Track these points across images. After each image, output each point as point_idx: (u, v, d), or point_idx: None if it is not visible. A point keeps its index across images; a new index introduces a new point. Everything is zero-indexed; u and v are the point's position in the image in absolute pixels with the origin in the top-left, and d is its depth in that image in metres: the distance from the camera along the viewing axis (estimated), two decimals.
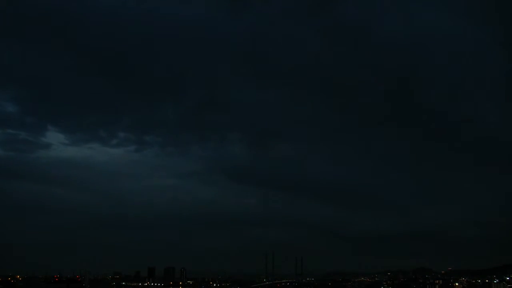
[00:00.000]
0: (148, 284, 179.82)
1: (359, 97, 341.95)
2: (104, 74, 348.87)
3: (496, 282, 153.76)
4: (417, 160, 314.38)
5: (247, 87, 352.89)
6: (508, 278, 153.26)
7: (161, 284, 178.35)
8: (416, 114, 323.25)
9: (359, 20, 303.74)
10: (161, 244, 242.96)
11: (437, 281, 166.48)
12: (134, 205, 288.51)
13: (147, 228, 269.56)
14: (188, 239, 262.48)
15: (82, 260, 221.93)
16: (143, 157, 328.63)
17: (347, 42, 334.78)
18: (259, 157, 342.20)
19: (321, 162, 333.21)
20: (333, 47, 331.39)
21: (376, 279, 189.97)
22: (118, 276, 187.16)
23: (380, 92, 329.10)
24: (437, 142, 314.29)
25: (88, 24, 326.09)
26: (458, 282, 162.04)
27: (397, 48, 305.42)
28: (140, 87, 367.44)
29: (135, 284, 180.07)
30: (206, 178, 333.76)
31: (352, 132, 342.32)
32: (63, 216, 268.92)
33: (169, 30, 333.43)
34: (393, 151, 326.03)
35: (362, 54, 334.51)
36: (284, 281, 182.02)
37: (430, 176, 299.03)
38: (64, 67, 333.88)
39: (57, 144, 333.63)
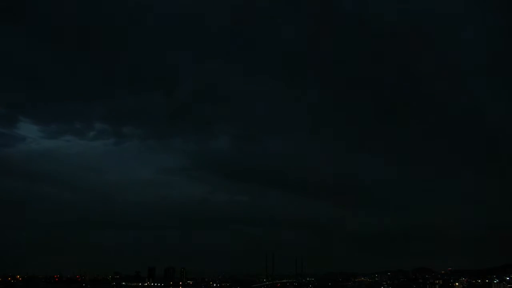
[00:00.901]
0: (148, 284, 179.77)
1: (359, 91, 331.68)
2: (73, 61, 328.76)
3: (496, 282, 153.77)
4: (418, 159, 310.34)
5: (239, 78, 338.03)
6: (508, 278, 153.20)
7: (161, 284, 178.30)
8: (416, 108, 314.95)
9: (357, 8, 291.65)
10: (161, 244, 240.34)
11: (437, 281, 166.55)
12: (122, 202, 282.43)
13: (142, 227, 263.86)
14: (187, 239, 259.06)
15: (82, 260, 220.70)
16: (123, 150, 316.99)
17: (346, 30, 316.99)
18: (250, 152, 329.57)
19: (320, 158, 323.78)
20: (330, 36, 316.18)
21: (376, 279, 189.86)
22: (118, 276, 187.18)
23: (380, 85, 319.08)
24: (438, 139, 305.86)
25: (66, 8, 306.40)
26: (458, 282, 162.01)
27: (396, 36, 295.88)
28: (113, 74, 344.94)
29: (135, 284, 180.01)
30: (194, 174, 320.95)
31: (352, 128, 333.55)
32: (52, 214, 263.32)
33: (156, 17, 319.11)
34: (393, 148, 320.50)
35: (361, 43, 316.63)
36: (284, 281, 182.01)
37: (430, 175, 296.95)
38: (34, 52, 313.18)
39: (34, 137, 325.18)
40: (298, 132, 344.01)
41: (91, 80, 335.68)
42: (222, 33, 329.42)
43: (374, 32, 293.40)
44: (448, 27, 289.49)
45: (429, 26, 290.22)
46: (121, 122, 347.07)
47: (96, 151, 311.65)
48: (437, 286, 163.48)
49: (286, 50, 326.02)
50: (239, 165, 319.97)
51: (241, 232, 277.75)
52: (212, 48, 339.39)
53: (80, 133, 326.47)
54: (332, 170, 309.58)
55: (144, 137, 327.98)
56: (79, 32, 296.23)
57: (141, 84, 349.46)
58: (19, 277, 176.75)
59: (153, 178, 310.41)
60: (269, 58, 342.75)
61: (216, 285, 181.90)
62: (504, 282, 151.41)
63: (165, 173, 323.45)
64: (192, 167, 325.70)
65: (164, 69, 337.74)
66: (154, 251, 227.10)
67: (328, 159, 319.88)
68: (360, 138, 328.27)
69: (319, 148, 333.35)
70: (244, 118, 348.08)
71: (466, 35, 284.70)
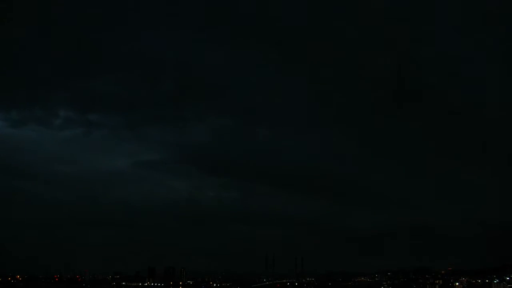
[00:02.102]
0: (148, 284, 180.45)
1: (358, 79, 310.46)
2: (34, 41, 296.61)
3: (496, 282, 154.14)
4: (418, 157, 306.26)
5: (223, 61, 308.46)
6: (508, 278, 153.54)
7: (161, 284, 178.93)
8: (415, 99, 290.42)
9: None
10: (160, 244, 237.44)
11: (437, 281, 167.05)
12: (106, 199, 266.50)
13: (136, 225, 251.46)
14: (186, 238, 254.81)
15: (82, 260, 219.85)
16: (94, 141, 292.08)
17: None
18: (236, 145, 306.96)
19: (319, 153, 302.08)
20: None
21: (376, 279, 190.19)
22: (118, 276, 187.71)
23: (380, 74, 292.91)
24: (437, 136, 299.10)
25: None
26: (458, 282, 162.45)
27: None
28: (76, 55, 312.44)
29: (135, 284, 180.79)
30: (175, 168, 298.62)
31: (352, 123, 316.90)
32: (37, 211, 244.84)
33: None
34: (394, 146, 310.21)
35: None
36: (284, 281, 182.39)
37: (431, 174, 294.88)
38: None
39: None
40: (293, 125, 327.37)
41: (53, 62, 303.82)
42: (208, 15, 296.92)
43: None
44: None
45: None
46: (87, 109, 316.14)
47: (65, 141, 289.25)
48: (437, 286, 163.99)
49: (284, 37, 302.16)
50: (225, 159, 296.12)
51: (240, 231, 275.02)
52: (196, 29, 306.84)
53: (45, 122, 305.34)
54: (331, 166, 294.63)
55: (116, 127, 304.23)
56: (39, 10, 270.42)
57: (109, 66, 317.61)
58: (19, 277, 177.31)
59: (133, 172, 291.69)
60: (263, 43, 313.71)
61: (216, 285, 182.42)
62: (504, 282, 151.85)
63: (144, 167, 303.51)
64: (172, 161, 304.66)
65: (138, 49, 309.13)
66: (154, 251, 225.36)
67: (327, 155, 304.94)
68: (360, 134, 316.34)
69: (318, 143, 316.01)
70: (230, 107, 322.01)
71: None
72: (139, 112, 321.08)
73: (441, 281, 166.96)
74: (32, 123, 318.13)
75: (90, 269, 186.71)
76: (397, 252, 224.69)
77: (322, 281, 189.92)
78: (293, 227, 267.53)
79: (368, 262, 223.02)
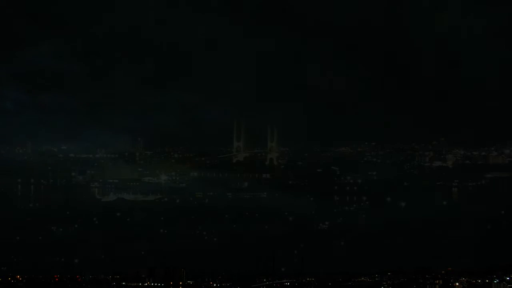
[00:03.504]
0: (148, 284, 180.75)
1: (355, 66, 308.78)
2: None
3: (496, 282, 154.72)
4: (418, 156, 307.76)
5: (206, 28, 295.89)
6: (508, 278, 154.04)
7: (161, 284, 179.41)
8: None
9: None
10: (160, 243, 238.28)
11: (437, 281, 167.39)
12: (97, 197, 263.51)
13: (133, 224, 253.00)
14: (185, 238, 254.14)
15: (81, 260, 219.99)
16: (54, 126, 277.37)
17: None
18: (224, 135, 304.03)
19: (316, 148, 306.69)
20: None
21: (376, 279, 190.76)
22: (118, 276, 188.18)
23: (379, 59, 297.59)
24: (438, 132, 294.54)
25: None
26: (458, 282, 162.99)
27: None
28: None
29: (135, 284, 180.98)
30: (150, 159, 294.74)
31: (352, 113, 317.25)
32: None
33: None
34: (394, 143, 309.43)
35: None
36: (284, 281, 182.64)
37: (430, 174, 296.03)
38: None
39: None
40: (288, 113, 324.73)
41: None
42: None
43: None
44: None
45: None
46: (39, 89, 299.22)
47: (21, 128, 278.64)
48: (437, 286, 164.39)
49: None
50: (210, 151, 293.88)
51: (239, 230, 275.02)
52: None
53: None
54: (330, 163, 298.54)
55: (73, 110, 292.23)
56: None
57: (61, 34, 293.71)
58: (19, 277, 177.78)
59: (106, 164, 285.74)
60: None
61: (216, 285, 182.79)
62: (504, 282, 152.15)
63: (117, 157, 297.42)
64: (148, 150, 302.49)
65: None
66: (153, 251, 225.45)
67: (324, 150, 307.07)
68: (360, 126, 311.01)
69: (316, 136, 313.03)
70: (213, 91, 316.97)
71: None
72: (96, 91, 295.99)
73: (441, 281, 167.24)
74: None
75: (90, 269, 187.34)
76: (397, 252, 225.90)
77: (322, 281, 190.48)
78: (292, 225, 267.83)
79: (368, 262, 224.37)
